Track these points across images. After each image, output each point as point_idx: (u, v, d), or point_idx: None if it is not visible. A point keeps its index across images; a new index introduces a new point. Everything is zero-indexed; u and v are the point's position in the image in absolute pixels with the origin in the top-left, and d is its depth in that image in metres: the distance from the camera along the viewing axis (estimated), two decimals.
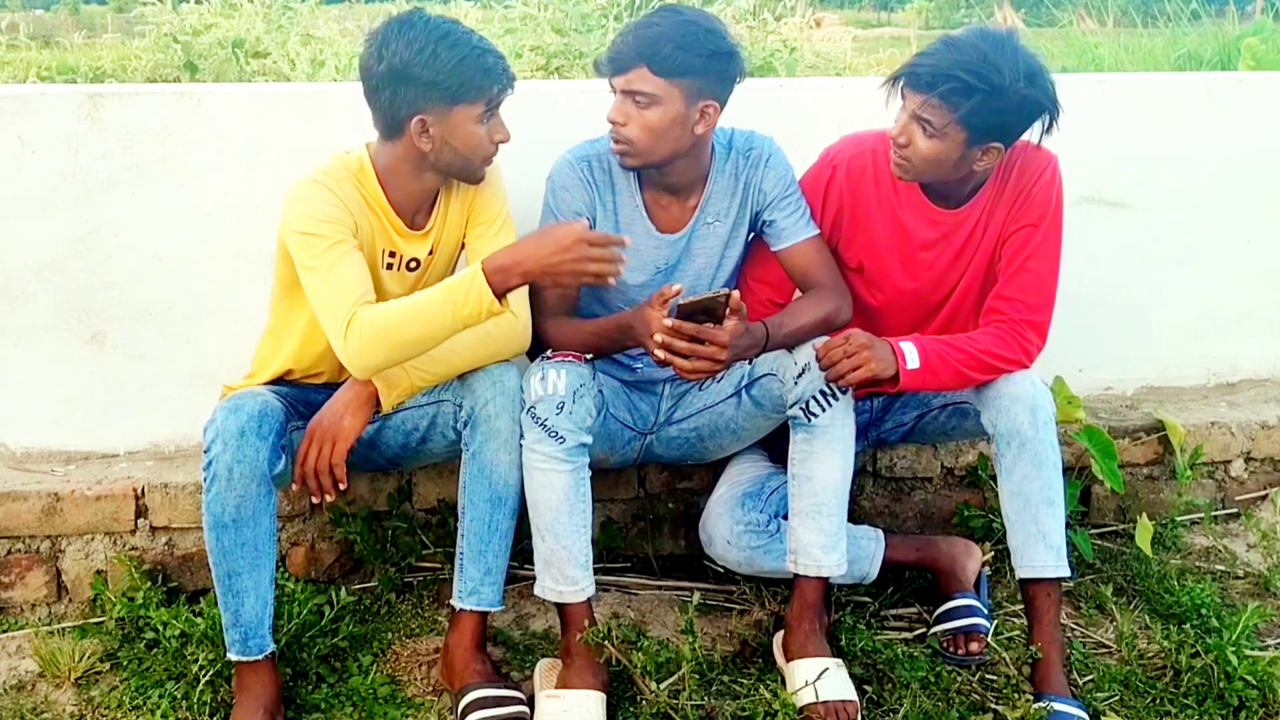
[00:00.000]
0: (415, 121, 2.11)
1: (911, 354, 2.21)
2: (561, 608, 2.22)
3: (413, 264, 2.27)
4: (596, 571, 2.26)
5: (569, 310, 2.37)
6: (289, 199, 2.14)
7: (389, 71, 2.08)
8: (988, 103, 2.14)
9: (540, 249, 2.03)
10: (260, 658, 2.10)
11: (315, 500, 2.18)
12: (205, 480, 2.03)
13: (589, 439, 2.19)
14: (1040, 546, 2.26)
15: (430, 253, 2.29)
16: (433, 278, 2.31)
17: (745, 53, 2.27)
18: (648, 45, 2.18)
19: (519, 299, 2.26)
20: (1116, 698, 2.26)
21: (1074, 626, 2.53)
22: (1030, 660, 2.24)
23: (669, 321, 2.10)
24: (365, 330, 2.03)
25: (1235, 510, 3.05)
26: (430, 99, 2.09)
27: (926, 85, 2.17)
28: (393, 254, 2.25)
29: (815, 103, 2.86)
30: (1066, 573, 2.27)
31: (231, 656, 2.11)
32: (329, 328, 2.08)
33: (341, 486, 2.16)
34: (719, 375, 2.25)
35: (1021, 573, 2.28)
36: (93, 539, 2.51)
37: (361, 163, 2.20)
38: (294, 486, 2.19)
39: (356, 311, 2.05)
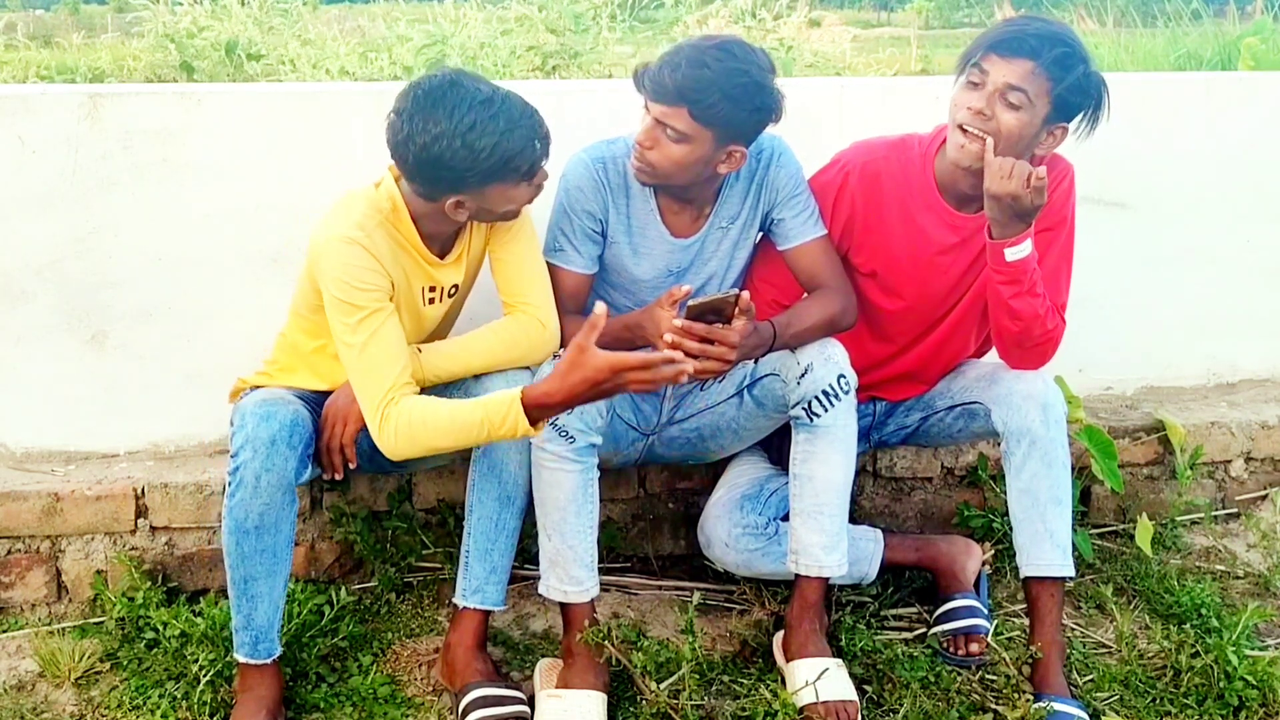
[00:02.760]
0: (451, 203, 2.07)
1: (1026, 245, 2.20)
2: (565, 607, 2.23)
3: (453, 289, 2.27)
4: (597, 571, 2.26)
5: (579, 310, 2.37)
6: (325, 254, 2.07)
7: (418, 163, 2.02)
8: (1082, 77, 2.15)
9: (574, 383, 1.92)
10: (268, 661, 2.11)
11: (326, 477, 2.20)
12: (230, 484, 2.02)
13: (599, 439, 2.19)
14: (1046, 545, 2.26)
15: (465, 274, 2.29)
16: (463, 294, 2.33)
17: (784, 100, 2.22)
18: (694, 90, 2.12)
19: (547, 307, 2.26)
20: (1116, 698, 2.27)
21: (1074, 626, 2.53)
22: (1030, 660, 2.24)
23: (679, 322, 2.10)
24: (400, 426, 2.01)
25: (1235, 510, 3.05)
26: (464, 186, 2.04)
27: (1031, 51, 2.13)
28: (433, 288, 2.23)
29: (816, 103, 2.86)
30: (1071, 572, 2.27)
31: (239, 658, 2.11)
32: (365, 407, 2.06)
33: (351, 465, 2.18)
34: (723, 375, 2.25)
35: (1026, 571, 2.28)
36: (93, 539, 2.51)
37: (395, 202, 2.14)
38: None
39: (394, 398, 2.02)
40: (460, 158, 1.99)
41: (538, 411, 1.94)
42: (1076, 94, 2.18)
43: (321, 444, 2.16)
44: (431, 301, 2.25)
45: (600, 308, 1.89)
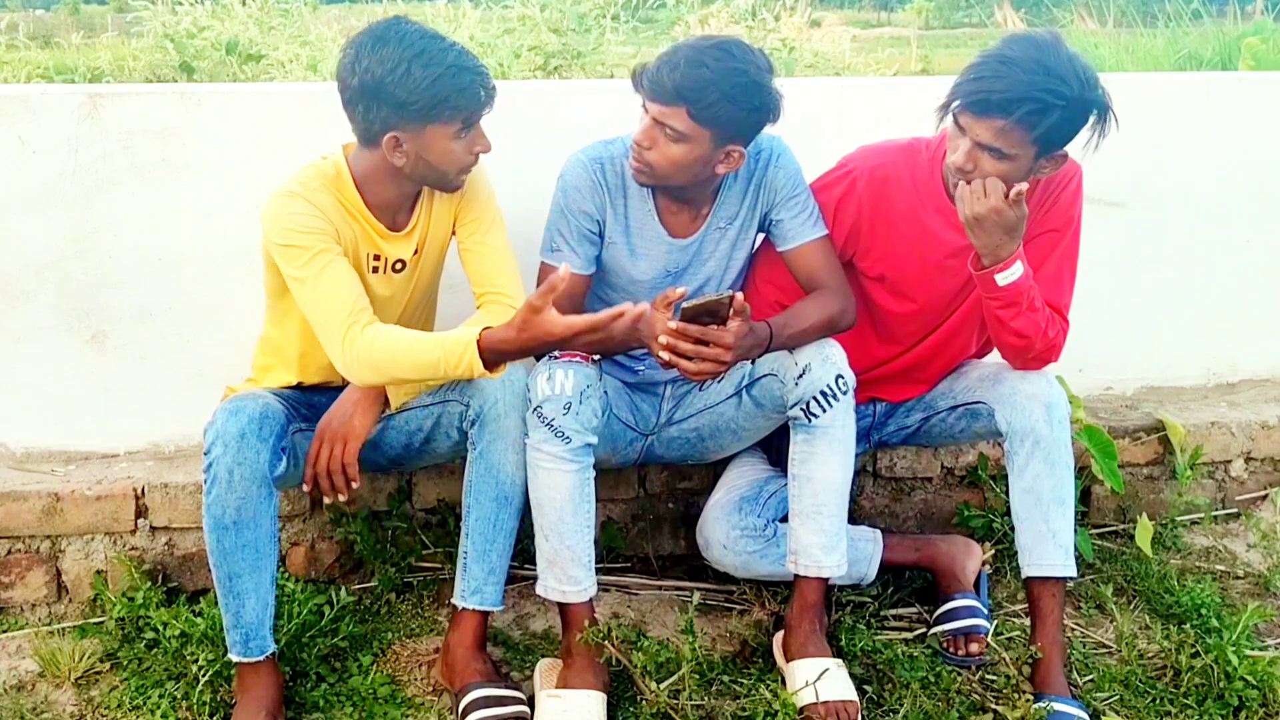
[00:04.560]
0: (388, 139, 2.06)
1: (1016, 268, 2.18)
2: (563, 608, 2.22)
3: (398, 265, 2.25)
4: (596, 571, 2.26)
5: (575, 310, 2.35)
6: (266, 212, 2.11)
7: (361, 88, 2.03)
8: (1063, 117, 2.08)
9: (526, 340, 1.96)
10: (261, 659, 2.10)
11: (328, 500, 2.18)
12: (206, 482, 2.02)
13: (594, 439, 2.19)
14: (1049, 545, 2.26)
15: (416, 252, 2.26)
16: (422, 275, 2.31)
17: (783, 100, 2.22)
18: (693, 90, 2.12)
19: (521, 296, 2.25)
20: (1116, 698, 2.26)
21: (1074, 626, 2.53)
22: (1030, 660, 2.24)
23: (674, 324, 2.10)
24: (364, 353, 2.03)
25: (1235, 510, 3.05)
26: (403, 118, 2.04)
27: (1000, 110, 2.07)
28: (377, 257, 2.22)
29: (816, 103, 2.86)
30: (1073, 572, 2.27)
31: (232, 657, 2.11)
32: (324, 338, 2.07)
33: (354, 485, 2.16)
34: (720, 376, 2.25)
35: (1028, 571, 2.28)
36: (93, 539, 2.51)
37: (339, 168, 2.16)
38: (305, 487, 2.18)
39: (356, 325, 2.03)
40: (403, 84, 2.00)
41: (492, 357, 1.99)
42: (1062, 130, 2.12)
43: (320, 467, 2.14)
44: (375, 270, 2.23)
45: (564, 269, 1.95)
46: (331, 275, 2.07)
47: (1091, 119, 2.14)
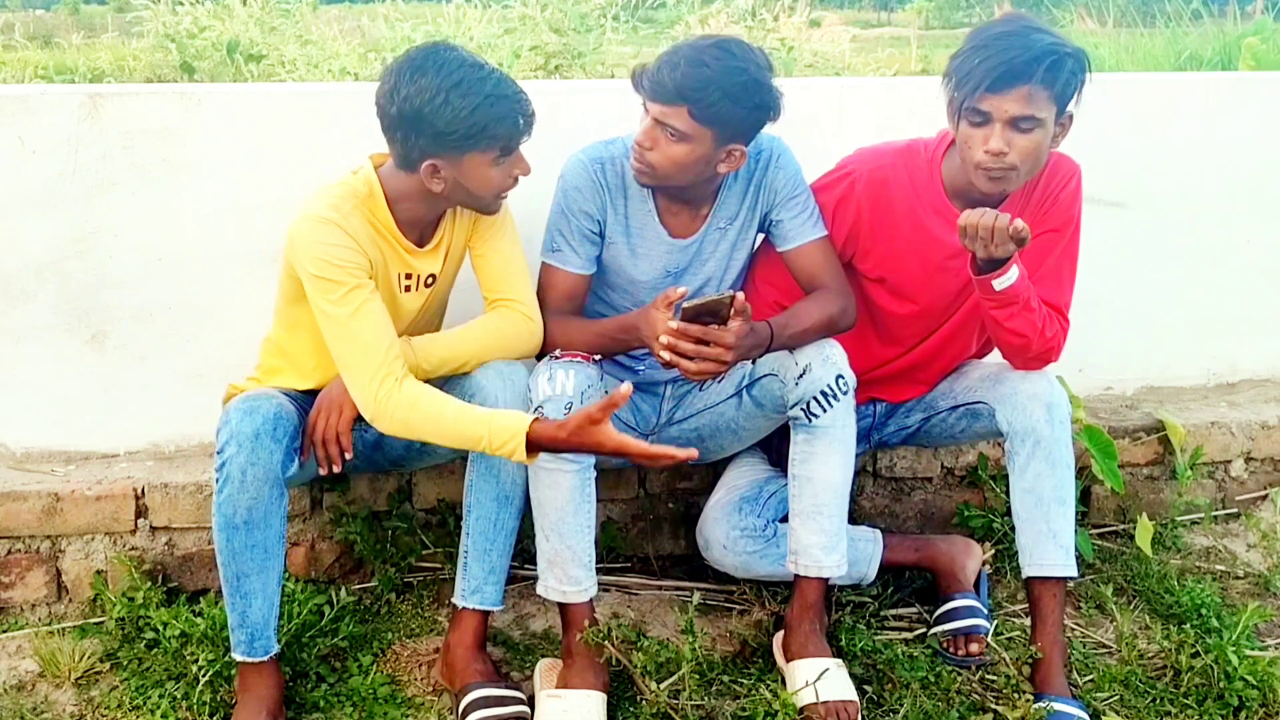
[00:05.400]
0: (427, 166, 2.07)
1: (1013, 273, 2.18)
2: (564, 608, 2.23)
3: (430, 280, 2.26)
4: (596, 571, 2.25)
5: (575, 311, 2.37)
6: (299, 235, 2.09)
7: (399, 116, 2.03)
8: (1072, 67, 2.14)
9: (577, 445, 2.00)
10: (265, 659, 2.11)
11: (323, 471, 2.18)
12: (217, 481, 2.02)
13: None
14: (1050, 545, 2.26)
15: (443, 265, 2.28)
16: (444, 285, 2.32)
17: (783, 98, 2.22)
18: (694, 89, 2.12)
19: (532, 302, 2.28)
20: (1116, 698, 2.26)
21: (1074, 626, 2.53)
22: (1030, 660, 2.25)
23: (674, 324, 2.10)
24: (401, 413, 2.04)
25: (1235, 510, 3.05)
26: (441, 146, 2.04)
27: (1023, 76, 2.10)
28: (409, 275, 2.23)
29: (816, 103, 2.86)
30: (1074, 572, 2.28)
31: (236, 657, 2.11)
32: (352, 382, 2.07)
33: (347, 456, 2.17)
34: (721, 376, 2.25)
35: (1029, 571, 2.28)
36: (93, 539, 2.51)
37: (371, 187, 2.15)
38: (302, 458, 2.16)
39: (391, 379, 2.04)
40: (441, 114, 2.00)
41: (538, 449, 2.02)
42: (1072, 82, 2.16)
43: (316, 436, 2.16)
44: (407, 289, 2.24)
45: (626, 387, 1.96)
46: (365, 316, 2.06)
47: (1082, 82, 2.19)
